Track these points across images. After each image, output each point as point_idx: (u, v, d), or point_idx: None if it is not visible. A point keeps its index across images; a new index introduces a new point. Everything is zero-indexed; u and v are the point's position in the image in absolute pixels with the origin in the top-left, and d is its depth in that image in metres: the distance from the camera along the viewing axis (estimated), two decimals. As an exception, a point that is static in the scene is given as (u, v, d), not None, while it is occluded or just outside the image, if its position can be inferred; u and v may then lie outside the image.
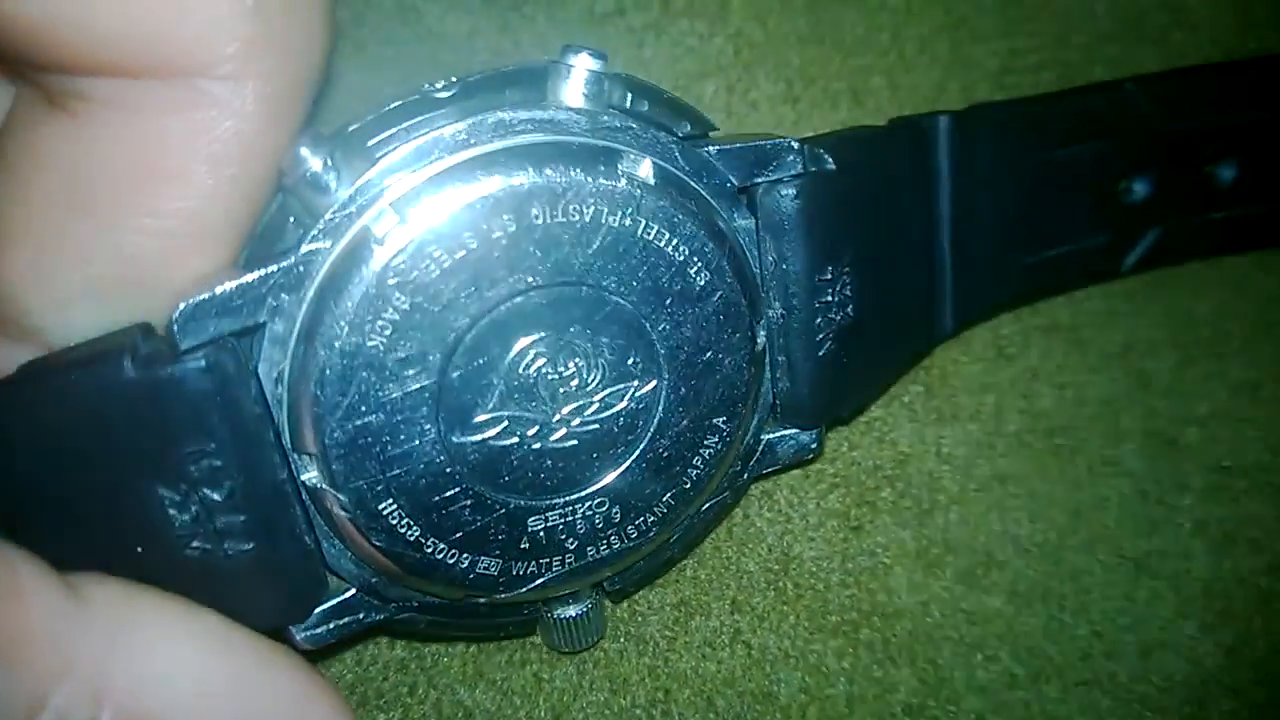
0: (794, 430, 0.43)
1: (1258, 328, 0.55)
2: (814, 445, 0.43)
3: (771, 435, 0.43)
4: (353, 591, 0.38)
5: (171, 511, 0.33)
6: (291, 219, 0.35)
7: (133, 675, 0.31)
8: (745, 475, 0.43)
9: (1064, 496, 0.51)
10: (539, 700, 0.45)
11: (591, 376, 0.37)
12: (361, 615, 0.39)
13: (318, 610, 0.38)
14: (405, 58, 0.48)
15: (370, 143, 0.35)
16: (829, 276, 0.40)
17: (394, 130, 0.35)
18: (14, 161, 0.33)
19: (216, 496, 0.34)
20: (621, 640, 0.46)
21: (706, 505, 0.42)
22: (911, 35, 0.54)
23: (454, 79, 0.36)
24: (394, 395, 0.34)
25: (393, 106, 0.35)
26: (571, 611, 0.42)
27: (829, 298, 0.41)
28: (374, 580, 0.38)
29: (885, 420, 0.51)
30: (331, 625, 0.38)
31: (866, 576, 0.48)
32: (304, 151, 0.33)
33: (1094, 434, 0.52)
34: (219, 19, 0.31)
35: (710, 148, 0.38)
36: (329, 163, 0.33)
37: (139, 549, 0.34)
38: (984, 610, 0.48)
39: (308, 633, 0.38)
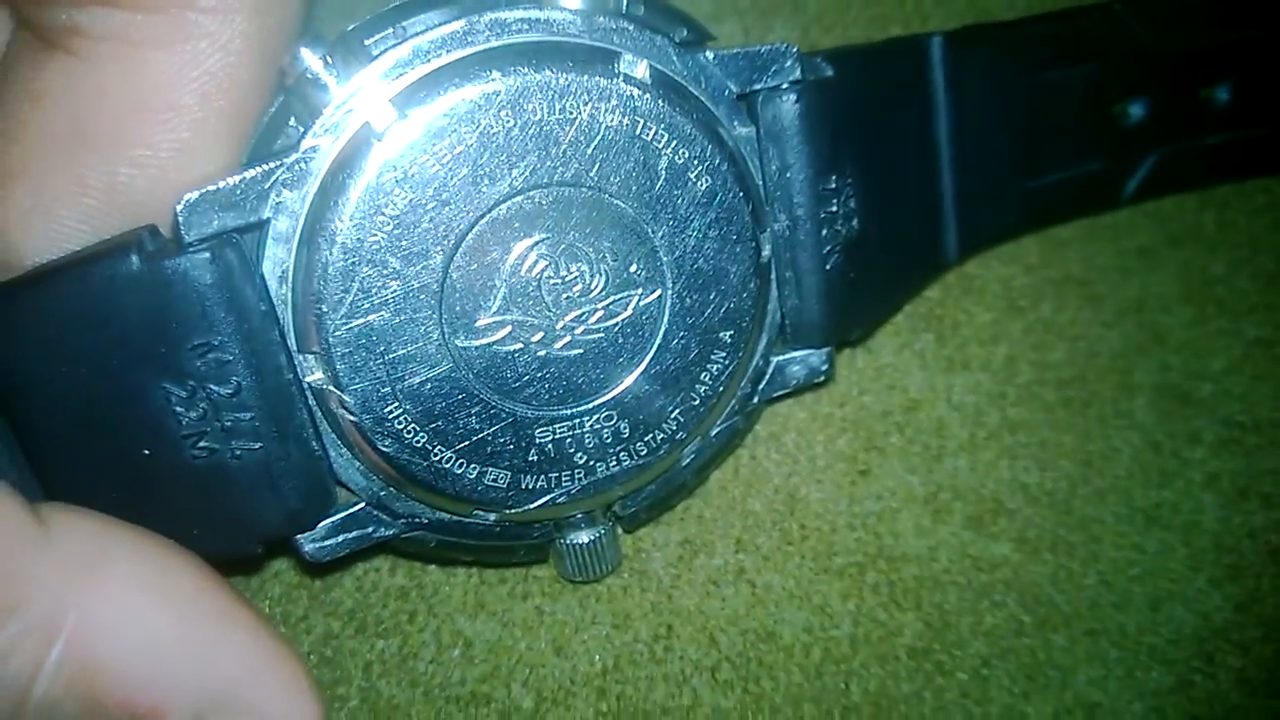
0: (804, 352, 0.43)
1: (1273, 285, 0.55)
2: (824, 368, 0.43)
3: (781, 357, 0.43)
4: (361, 505, 0.38)
5: (179, 409, 0.34)
6: (292, 119, 0.35)
7: (87, 620, 0.31)
8: (756, 398, 0.43)
9: (1074, 447, 0.50)
10: (540, 632, 0.45)
11: (594, 282, 0.37)
12: (370, 530, 0.39)
13: (326, 522, 0.38)
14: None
15: (368, 41, 0.35)
16: (833, 185, 0.40)
17: (392, 29, 0.35)
18: (13, 101, 0.35)
19: (224, 391, 0.34)
20: (625, 576, 0.46)
21: (718, 429, 0.42)
22: (929, -14, 0.55)
23: None
24: (396, 292, 0.34)
25: (391, 6, 0.35)
26: (584, 538, 0.42)
27: (834, 208, 0.40)
28: (383, 493, 0.38)
29: (896, 367, 0.51)
30: (340, 539, 0.38)
31: (873, 520, 0.48)
32: (304, 51, 0.34)
33: (1106, 386, 0.52)
34: None
35: (707, 53, 0.38)
36: (328, 61, 0.34)
37: (146, 451, 0.34)
38: (991, 557, 0.48)
39: (315, 545, 0.38)
